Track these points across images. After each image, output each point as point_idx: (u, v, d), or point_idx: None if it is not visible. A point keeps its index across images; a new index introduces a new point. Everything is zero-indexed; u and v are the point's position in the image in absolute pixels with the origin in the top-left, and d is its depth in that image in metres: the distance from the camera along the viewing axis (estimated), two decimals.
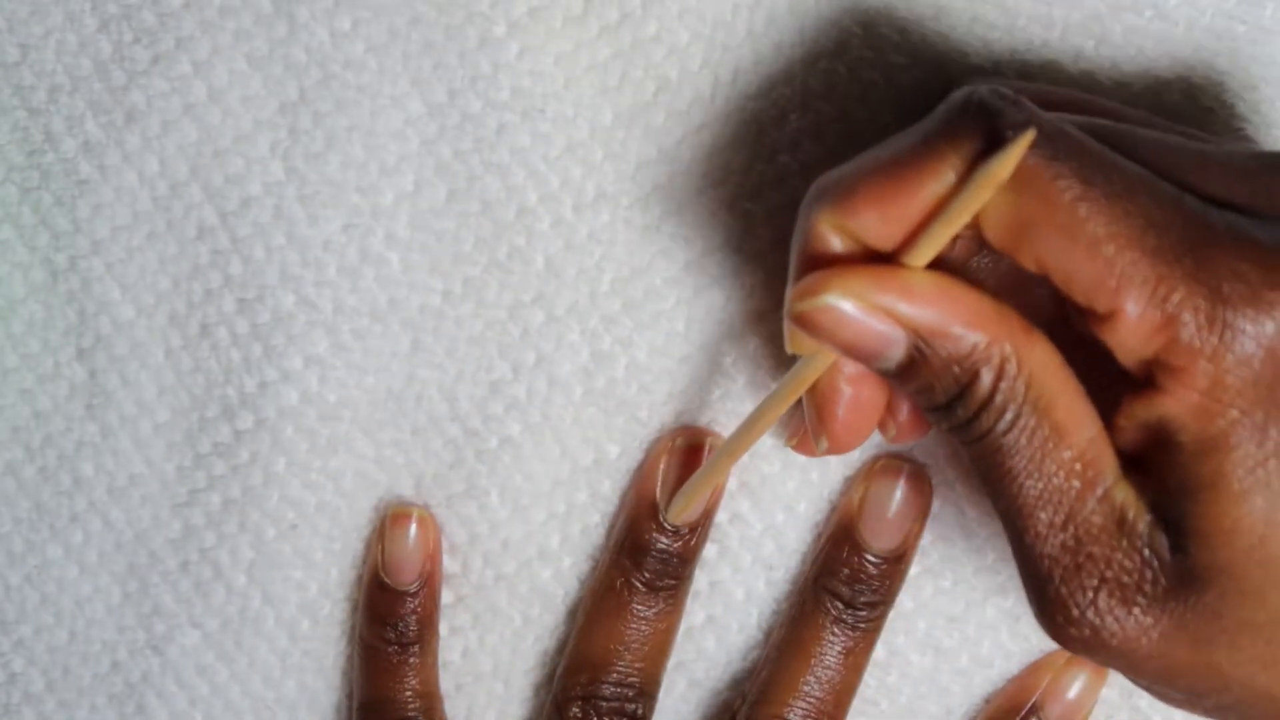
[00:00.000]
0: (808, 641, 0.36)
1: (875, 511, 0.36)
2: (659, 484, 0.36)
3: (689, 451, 0.36)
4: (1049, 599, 0.27)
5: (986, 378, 0.27)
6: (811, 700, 0.36)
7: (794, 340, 0.29)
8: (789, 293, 0.29)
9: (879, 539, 0.36)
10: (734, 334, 0.37)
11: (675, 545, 0.36)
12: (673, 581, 0.37)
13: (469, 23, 0.35)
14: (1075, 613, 0.27)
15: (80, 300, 0.38)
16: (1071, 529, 0.27)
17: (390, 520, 0.38)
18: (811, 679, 0.36)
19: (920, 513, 0.36)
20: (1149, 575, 0.26)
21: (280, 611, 0.39)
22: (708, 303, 0.36)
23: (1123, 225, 0.25)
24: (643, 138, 0.36)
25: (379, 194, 0.36)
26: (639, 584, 0.36)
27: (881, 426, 0.32)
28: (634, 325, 0.37)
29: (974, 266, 0.30)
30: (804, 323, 0.27)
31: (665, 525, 0.36)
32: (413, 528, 0.38)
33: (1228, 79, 0.34)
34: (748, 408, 0.37)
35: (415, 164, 0.36)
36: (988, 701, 0.38)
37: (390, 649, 0.38)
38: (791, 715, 0.36)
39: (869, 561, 0.36)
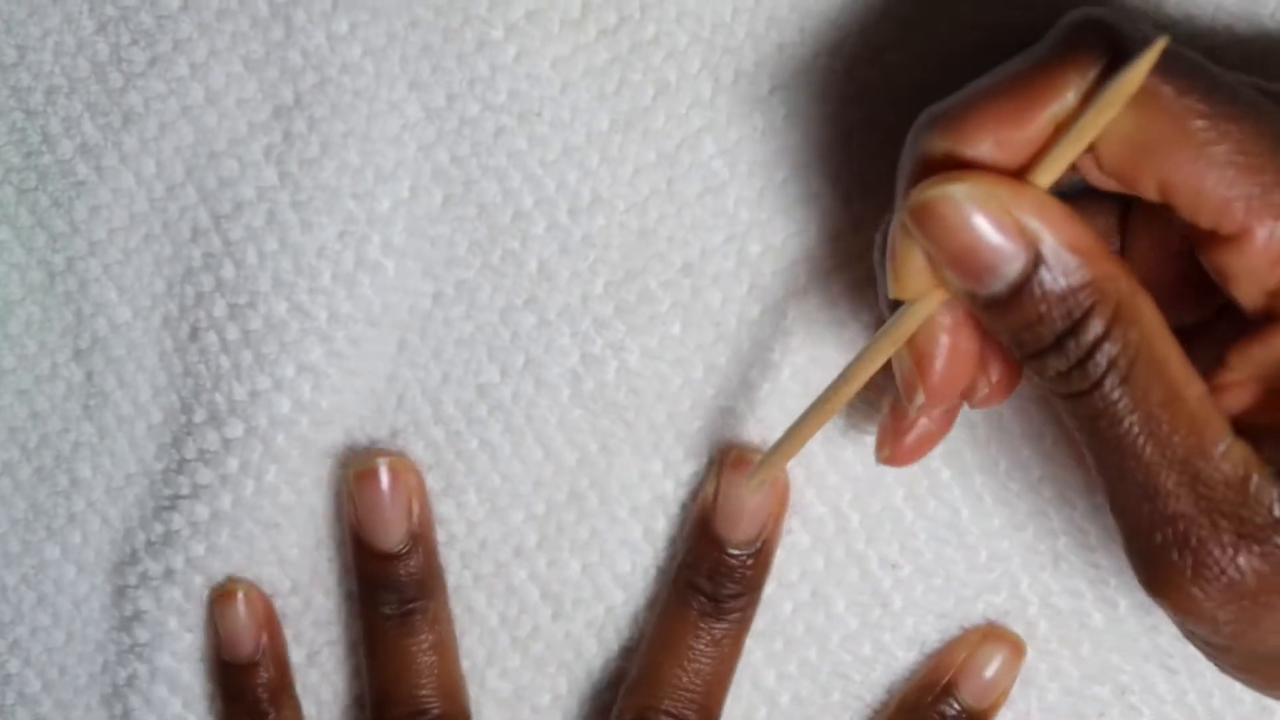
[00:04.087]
0: (676, 634, 0.36)
1: (729, 504, 0.36)
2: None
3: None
4: (1180, 564, 0.26)
5: (1099, 318, 0.25)
6: (682, 692, 0.36)
7: (900, 281, 0.27)
8: (897, 216, 0.27)
9: (735, 531, 0.36)
10: (730, 337, 0.36)
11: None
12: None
13: (466, 26, 0.35)
14: (1217, 570, 0.25)
15: (77, 301, 0.38)
16: (1200, 488, 0.25)
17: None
18: (680, 671, 0.36)
19: (776, 501, 0.36)
20: None
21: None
22: (704, 305, 0.36)
23: (1253, 144, 0.24)
24: (641, 141, 0.36)
25: (375, 201, 0.36)
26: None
27: (970, 389, 0.30)
28: (626, 329, 0.36)
29: None
30: (922, 217, 0.25)
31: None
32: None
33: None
34: (744, 409, 0.37)
35: (412, 170, 0.36)
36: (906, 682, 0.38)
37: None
38: (664, 705, 0.36)
39: (728, 555, 0.36)
